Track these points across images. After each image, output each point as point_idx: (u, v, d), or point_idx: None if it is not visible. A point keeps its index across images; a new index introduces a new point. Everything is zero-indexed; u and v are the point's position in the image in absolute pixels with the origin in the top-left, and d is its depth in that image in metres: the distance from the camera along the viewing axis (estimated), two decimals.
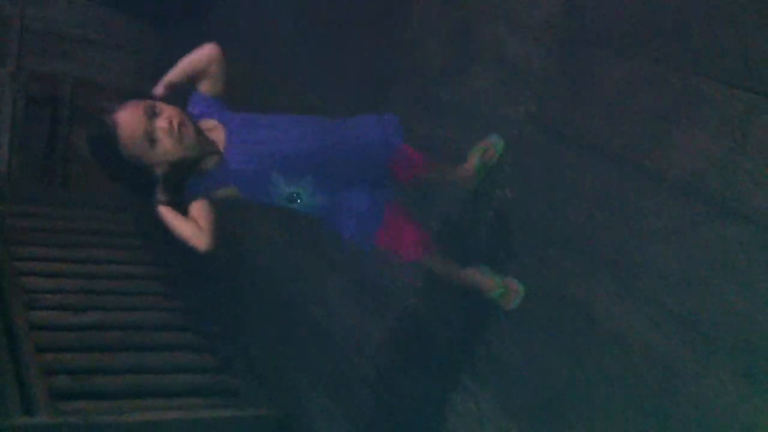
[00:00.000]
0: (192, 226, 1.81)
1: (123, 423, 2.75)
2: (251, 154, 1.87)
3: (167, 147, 1.76)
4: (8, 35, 4.46)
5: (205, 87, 1.94)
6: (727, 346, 1.72)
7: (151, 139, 1.75)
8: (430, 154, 2.27)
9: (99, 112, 1.80)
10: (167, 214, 1.81)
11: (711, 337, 1.75)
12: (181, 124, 1.76)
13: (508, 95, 2.35)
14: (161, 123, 1.75)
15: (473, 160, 2.31)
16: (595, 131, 2.06)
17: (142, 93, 1.86)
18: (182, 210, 1.84)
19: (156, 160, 1.78)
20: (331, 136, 1.95)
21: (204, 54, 1.92)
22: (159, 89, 1.87)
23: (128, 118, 1.75)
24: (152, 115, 1.76)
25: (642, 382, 1.87)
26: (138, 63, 4.74)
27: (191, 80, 1.94)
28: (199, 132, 1.84)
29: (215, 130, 1.89)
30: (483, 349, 2.31)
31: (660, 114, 1.90)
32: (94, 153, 1.81)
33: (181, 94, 1.94)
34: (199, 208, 1.84)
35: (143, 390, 3.00)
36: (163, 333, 3.38)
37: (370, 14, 3.03)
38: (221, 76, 1.94)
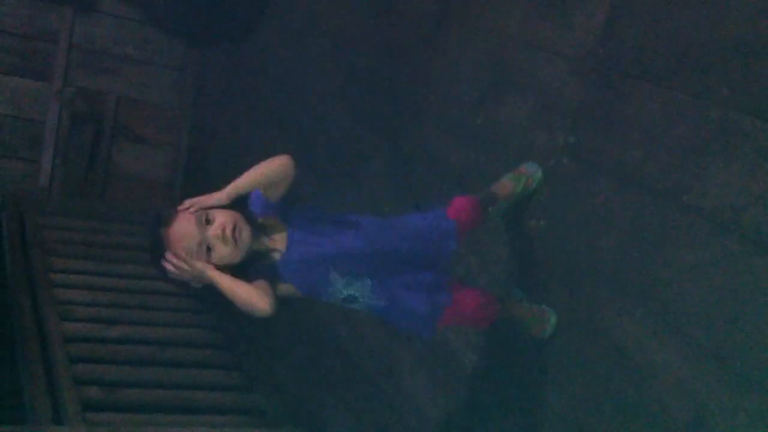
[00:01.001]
0: (254, 287, 1.79)
1: None
2: (310, 255, 1.86)
3: (223, 253, 1.77)
4: (55, 52, 4.58)
5: (268, 192, 1.89)
6: (759, 383, 1.69)
7: (208, 248, 1.76)
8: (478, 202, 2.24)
9: (154, 223, 1.79)
10: (221, 276, 1.78)
11: (743, 373, 1.72)
12: (235, 230, 1.76)
13: (542, 124, 2.34)
14: (215, 231, 1.75)
15: (510, 186, 2.27)
16: (630, 162, 2.05)
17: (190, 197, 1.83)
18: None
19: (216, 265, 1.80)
20: (388, 239, 1.93)
21: (279, 167, 1.85)
22: (224, 197, 1.81)
23: (181, 231, 1.76)
24: (205, 223, 1.76)
25: (671, 417, 1.85)
26: (180, 81, 4.84)
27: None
28: (260, 229, 1.85)
29: (277, 229, 1.89)
30: (511, 378, 2.29)
31: (697, 147, 1.88)
32: (157, 268, 1.82)
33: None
34: (263, 282, 1.83)
35: (171, 405, 3.02)
36: (192, 350, 3.41)
37: (404, 42, 3.06)
38: (288, 187, 1.89)
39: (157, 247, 1.79)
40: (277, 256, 1.86)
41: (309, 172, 3.45)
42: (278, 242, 1.87)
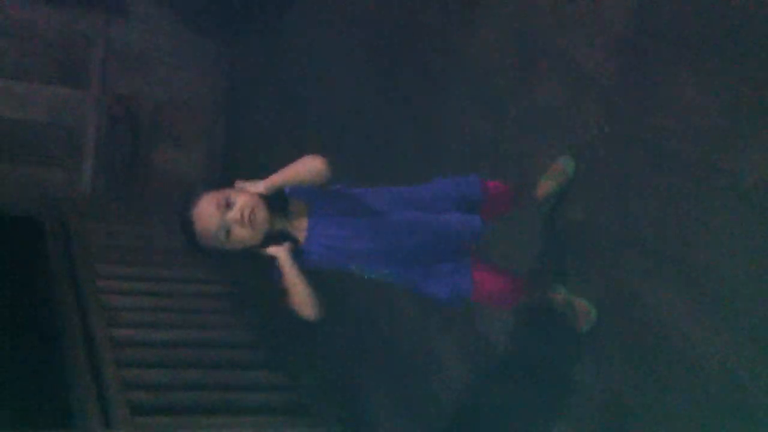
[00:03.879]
0: (313, 291, 1.86)
1: None
2: (330, 250, 1.91)
3: (240, 236, 1.81)
4: (91, 59, 4.65)
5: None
6: None
7: (227, 231, 1.81)
8: (510, 185, 2.23)
9: (182, 205, 1.85)
10: (291, 266, 1.84)
11: None
12: (252, 212, 1.80)
13: (576, 106, 2.29)
14: (233, 215, 1.79)
15: (547, 186, 2.27)
16: (666, 144, 2.00)
17: (220, 182, 1.88)
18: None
19: (234, 248, 1.84)
20: (409, 239, 1.94)
21: (315, 171, 1.86)
22: (261, 188, 1.85)
23: (203, 214, 1.81)
24: (226, 206, 1.80)
25: (712, 397, 1.81)
26: (212, 81, 4.87)
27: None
28: (283, 213, 1.89)
29: (300, 213, 1.92)
30: (553, 369, 2.26)
31: (733, 123, 1.82)
32: (186, 246, 1.88)
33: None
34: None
35: (216, 406, 3.05)
36: (236, 350, 3.43)
37: (434, 25, 3.02)
38: (323, 182, 1.92)
39: (188, 229, 1.84)
40: (301, 239, 1.90)
41: (341, 165, 3.44)
42: (299, 229, 1.90)
